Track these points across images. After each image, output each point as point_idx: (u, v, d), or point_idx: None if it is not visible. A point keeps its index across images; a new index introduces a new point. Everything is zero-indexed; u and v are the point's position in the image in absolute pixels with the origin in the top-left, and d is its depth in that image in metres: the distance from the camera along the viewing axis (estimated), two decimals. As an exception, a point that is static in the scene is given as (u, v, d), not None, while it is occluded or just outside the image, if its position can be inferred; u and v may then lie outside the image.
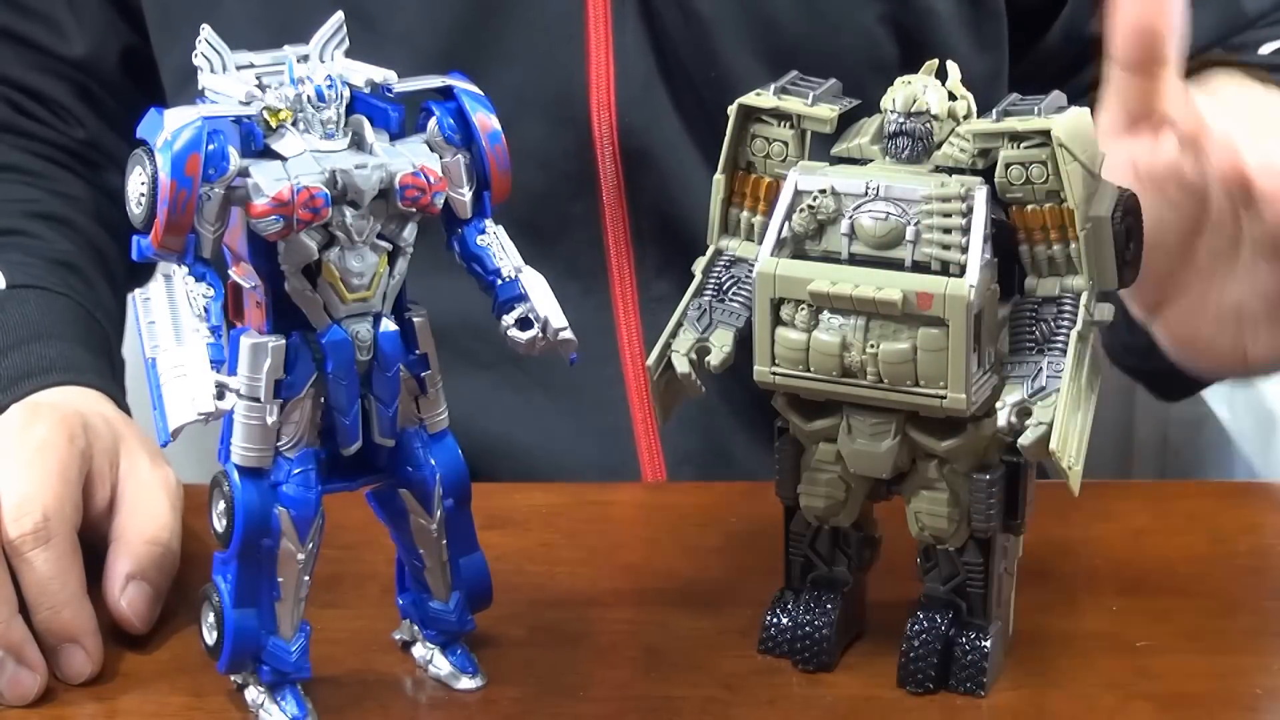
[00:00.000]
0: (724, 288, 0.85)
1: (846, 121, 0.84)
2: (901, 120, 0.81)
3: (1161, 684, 0.84)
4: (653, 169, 1.11)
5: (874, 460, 0.82)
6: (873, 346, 0.79)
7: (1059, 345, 0.79)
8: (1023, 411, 0.79)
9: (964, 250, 0.78)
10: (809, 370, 0.81)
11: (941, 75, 0.82)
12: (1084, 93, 1.16)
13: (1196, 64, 1.14)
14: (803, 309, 0.81)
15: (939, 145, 0.81)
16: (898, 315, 0.79)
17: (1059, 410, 0.78)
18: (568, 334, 0.81)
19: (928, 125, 0.81)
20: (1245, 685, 0.85)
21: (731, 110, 0.85)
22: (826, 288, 0.80)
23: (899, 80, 0.81)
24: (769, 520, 0.88)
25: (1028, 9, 1.15)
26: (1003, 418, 0.79)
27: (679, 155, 1.11)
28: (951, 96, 0.81)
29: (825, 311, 0.80)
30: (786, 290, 0.81)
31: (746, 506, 1.01)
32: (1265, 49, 1.14)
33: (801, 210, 0.81)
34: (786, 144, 0.84)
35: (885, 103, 0.81)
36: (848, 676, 0.85)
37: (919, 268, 0.79)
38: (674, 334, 0.85)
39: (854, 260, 0.80)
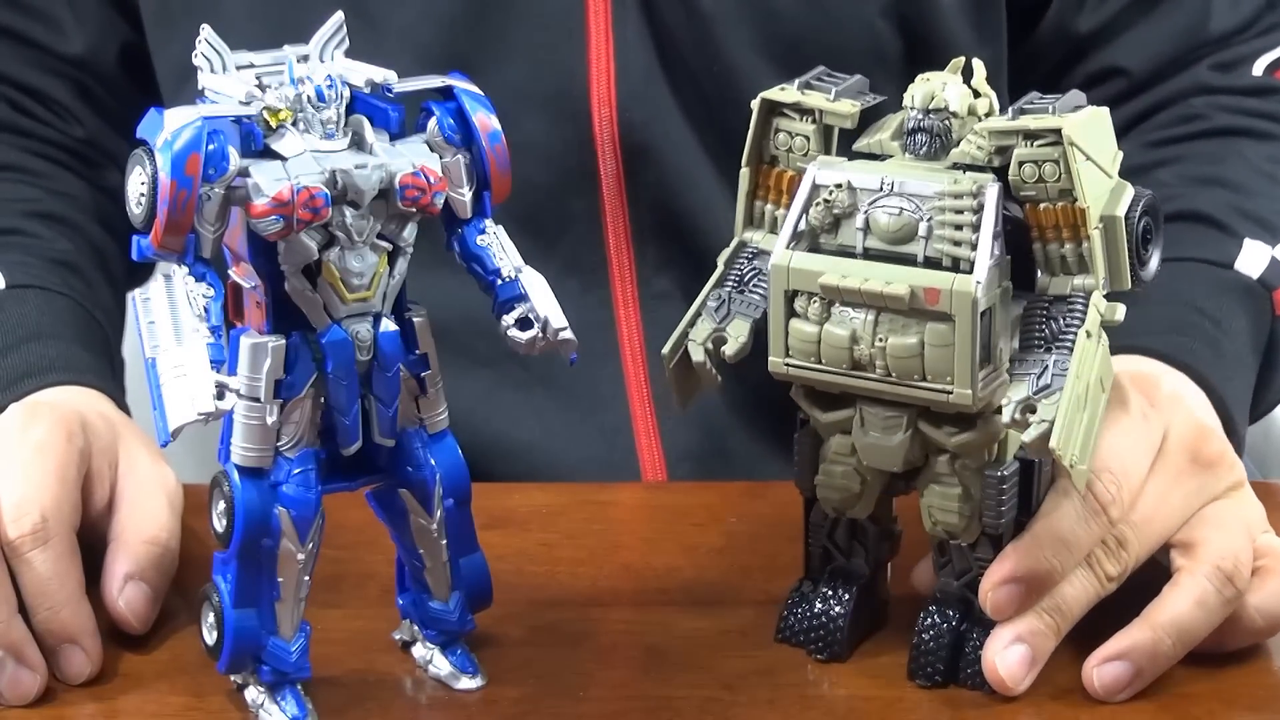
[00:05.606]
0: (745, 279, 0.85)
1: (874, 116, 0.84)
2: (920, 117, 0.81)
3: (1161, 684, 0.84)
4: (653, 165, 1.11)
5: (886, 453, 0.82)
6: (881, 340, 0.80)
7: (1067, 344, 0.79)
8: (1028, 408, 0.79)
9: (974, 247, 0.79)
10: (820, 362, 0.81)
11: (968, 73, 0.82)
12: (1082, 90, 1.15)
13: (1177, 91, 1.14)
14: (815, 302, 0.81)
15: (958, 142, 0.81)
16: (905, 310, 0.79)
17: (1062, 408, 0.78)
18: (568, 334, 0.81)
19: (946, 122, 0.81)
20: (1245, 685, 0.85)
21: (755, 104, 0.85)
22: (836, 281, 0.80)
23: (919, 77, 0.82)
24: (769, 520, 0.88)
25: (1020, 3, 1.15)
26: (1007, 414, 0.79)
27: (680, 151, 1.11)
28: (976, 94, 0.81)
29: (837, 305, 0.81)
30: (799, 283, 0.81)
31: (746, 506, 1.01)
32: (1259, 67, 1.14)
33: (818, 204, 0.81)
34: (808, 138, 0.84)
35: (906, 99, 0.82)
36: (849, 675, 0.85)
37: (931, 263, 0.80)
38: (691, 323, 0.85)
39: (868, 255, 0.81)
